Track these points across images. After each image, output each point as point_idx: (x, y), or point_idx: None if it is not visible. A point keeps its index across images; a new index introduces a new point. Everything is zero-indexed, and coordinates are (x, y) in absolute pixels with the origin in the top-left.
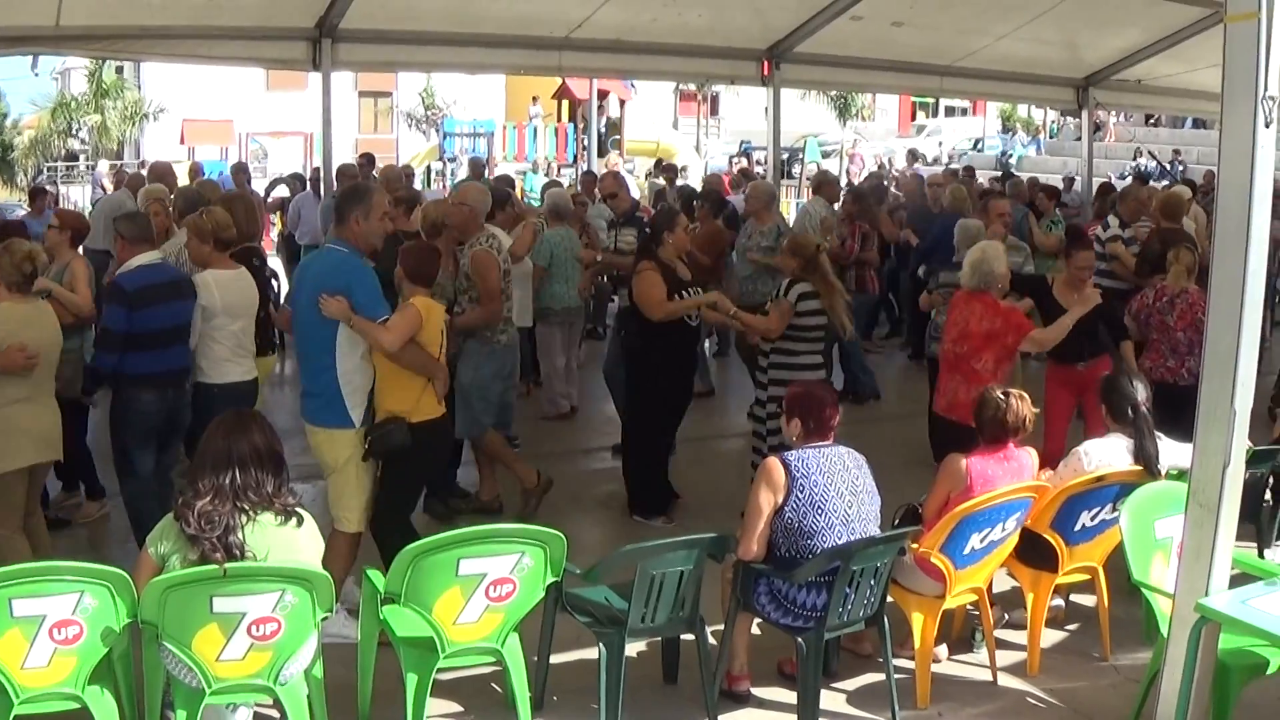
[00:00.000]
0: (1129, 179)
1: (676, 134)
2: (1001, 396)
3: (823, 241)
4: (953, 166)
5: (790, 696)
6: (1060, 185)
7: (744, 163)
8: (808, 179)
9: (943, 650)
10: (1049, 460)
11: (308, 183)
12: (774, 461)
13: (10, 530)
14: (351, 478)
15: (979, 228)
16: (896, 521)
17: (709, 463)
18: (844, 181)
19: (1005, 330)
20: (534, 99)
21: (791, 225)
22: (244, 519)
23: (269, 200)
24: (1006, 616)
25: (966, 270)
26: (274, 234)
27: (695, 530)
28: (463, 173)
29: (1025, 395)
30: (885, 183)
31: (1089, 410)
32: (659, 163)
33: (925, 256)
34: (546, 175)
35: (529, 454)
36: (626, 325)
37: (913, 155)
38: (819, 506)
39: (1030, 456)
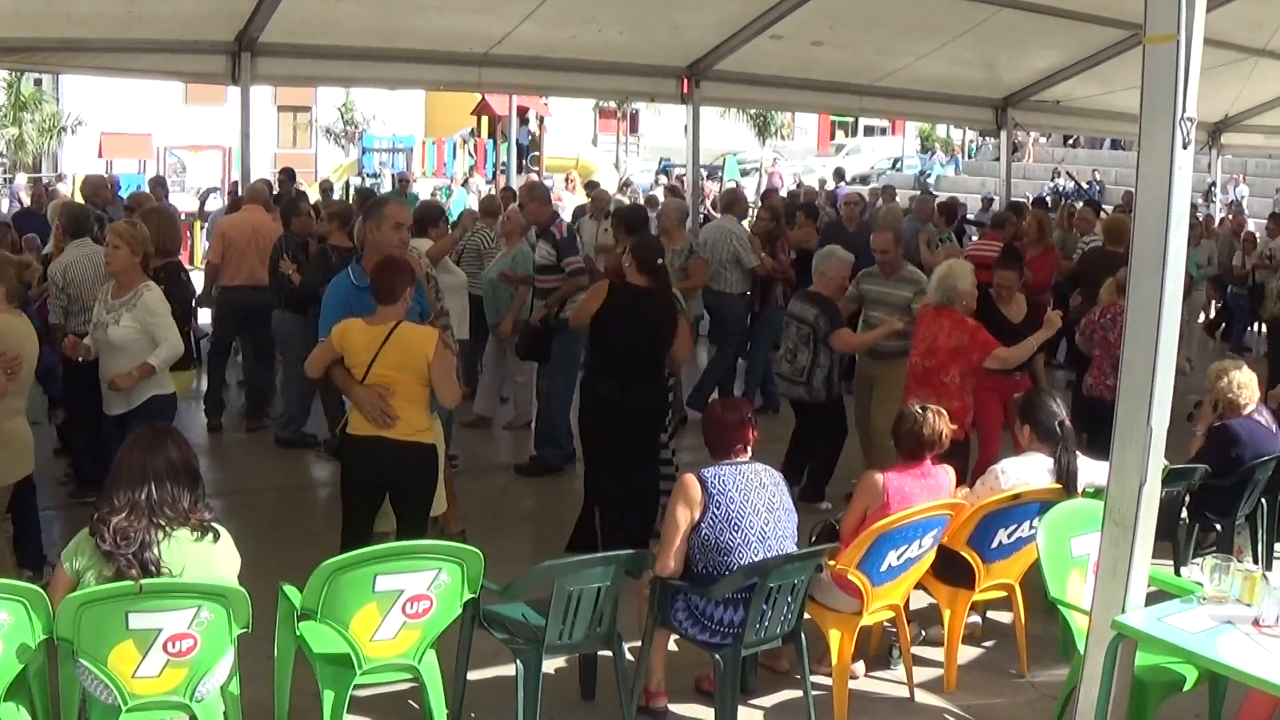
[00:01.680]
0: (1047, 199)
1: (596, 151)
2: (919, 411)
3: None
4: (873, 186)
5: (707, 713)
6: (980, 205)
7: (668, 181)
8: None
9: (860, 667)
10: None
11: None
12: (690, 478)
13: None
14: None
15: (836, 251)
16: (813, 539)
17: None
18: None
19: (971, 347)
20: (471, 131)
21: (709, 244)
22: (160, 535)
23: (203, 210)
24: (924, 633)
25: (933, 285)
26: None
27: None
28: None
29: (943, 411)
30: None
31: (1012, 420)
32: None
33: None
34: (474, 192)
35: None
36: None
37: (839, 174)
38: (735, 523)
39: (947, 474)
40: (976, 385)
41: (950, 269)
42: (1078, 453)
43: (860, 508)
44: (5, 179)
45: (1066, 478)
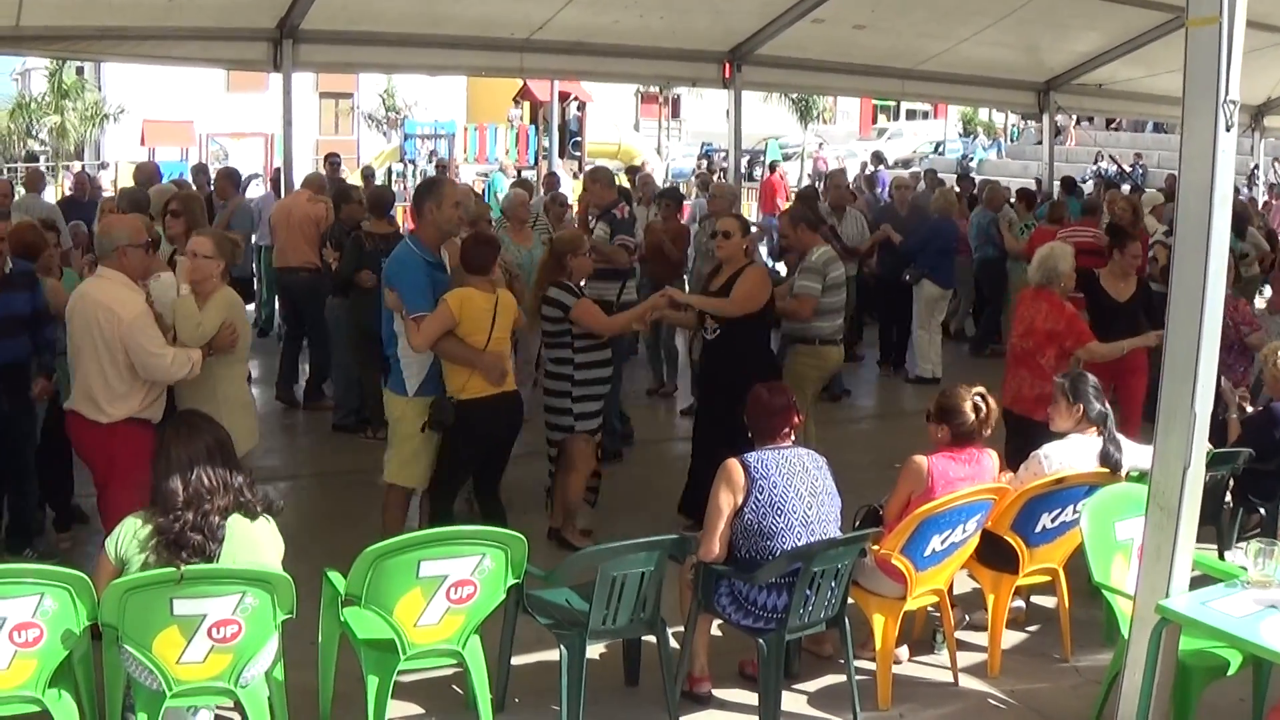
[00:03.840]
0: (1090, 183)
1: (638, 136)
2: (965, 394)
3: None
4: (914, 169)
5: (751, 698)
6: (1034, 188)
7: (703, 167)
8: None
9: (904, 651)
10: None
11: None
12: (734, 462)
13: None
14: (396, 436)
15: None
16: (857, 523)
17: (671, 464)
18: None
19: (1066, 334)
20: (515, 102)
21: None
22: (220, 520)
23: (244, 196)
24: (967, 618)
25: (1034, 267)
26: None
27: (656, 532)
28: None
29: (988, 394)
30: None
31: (1122, 395)
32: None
33: (909, 260)
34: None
35: None
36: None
37: (877, 158)
38: (778, 508)
39: (991, 458)
40: (1086, 361)
41: (1051, 251)
42: (1119, 436)
43: (904, 492)
44: (48, 166)
45: (1113, 464)
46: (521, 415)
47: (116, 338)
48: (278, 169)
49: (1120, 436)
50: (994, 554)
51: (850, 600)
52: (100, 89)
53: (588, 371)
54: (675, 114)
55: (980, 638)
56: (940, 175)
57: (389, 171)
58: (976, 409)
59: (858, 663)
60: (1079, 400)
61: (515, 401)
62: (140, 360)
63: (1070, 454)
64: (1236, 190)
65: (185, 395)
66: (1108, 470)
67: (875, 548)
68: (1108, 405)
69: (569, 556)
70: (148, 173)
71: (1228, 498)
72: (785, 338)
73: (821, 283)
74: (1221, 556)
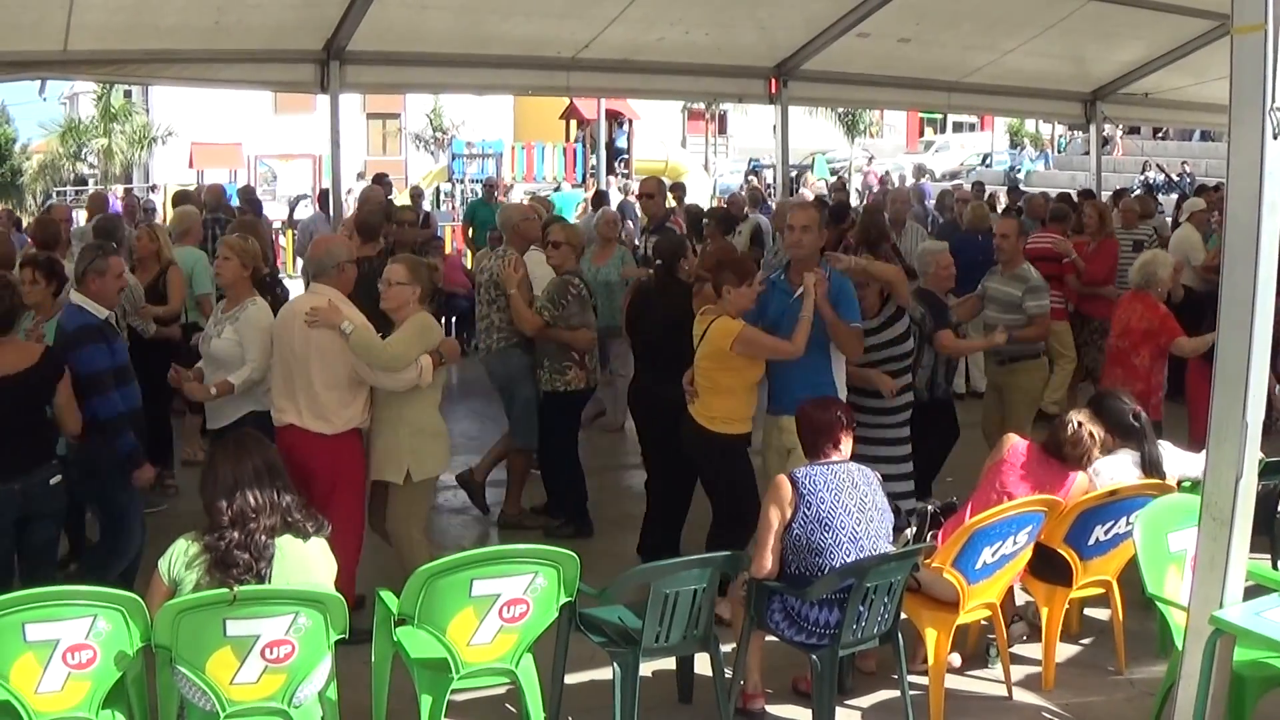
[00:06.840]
0: (1138, 192)
1: (685, 153)
2: (1077, 424)
3: None
4: (958, 182)
5: (805, 714)
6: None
7: (754, 181)
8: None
9: (955, 658)
10: (1196, 444)
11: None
12: (782, 478)
13: (421, 534)
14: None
15: (934, 245)
16: (912, 525)
17: None
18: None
19: (1160, 332)
20: (580, 125)
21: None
22: (267, 539)
23: (293, 218)
24: (1037, 616)
25: (1134, 271)
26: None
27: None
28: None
29: (1097, 435)
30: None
31: None
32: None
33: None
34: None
35: None
36: None
37: (920, 171)
38: (826, 524)
39: (1076, 479)
40: (1191, 366)
41: (1154, 257)
42: (1164, 443)
43: (988, 463)
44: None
45: (1152, 467)
46: (698, 446)
47: (340, 349)
48: (325, 190)
49: (1163, 442)
50: (1047, 567)
51: (903, 615)
52: (148, 112)
53: None
54: (722, 130)
55: (1034, 651)
56: (988, 187)
57: (437, 191)
58: (1070, 436)
59: (911, 678)
60: (1102, 425)
61: (687, 425)
62: (369, 364)
63: (1119, 468)
64: None
65: (374, 419)
66: (1159, 480)
67: (928, 562)
68: (1137, 414)
69: (621, 574)
70: (217, 195)
71: None
72: (1004, 356)
73: (1047, 297)
74: (1275, 566)
